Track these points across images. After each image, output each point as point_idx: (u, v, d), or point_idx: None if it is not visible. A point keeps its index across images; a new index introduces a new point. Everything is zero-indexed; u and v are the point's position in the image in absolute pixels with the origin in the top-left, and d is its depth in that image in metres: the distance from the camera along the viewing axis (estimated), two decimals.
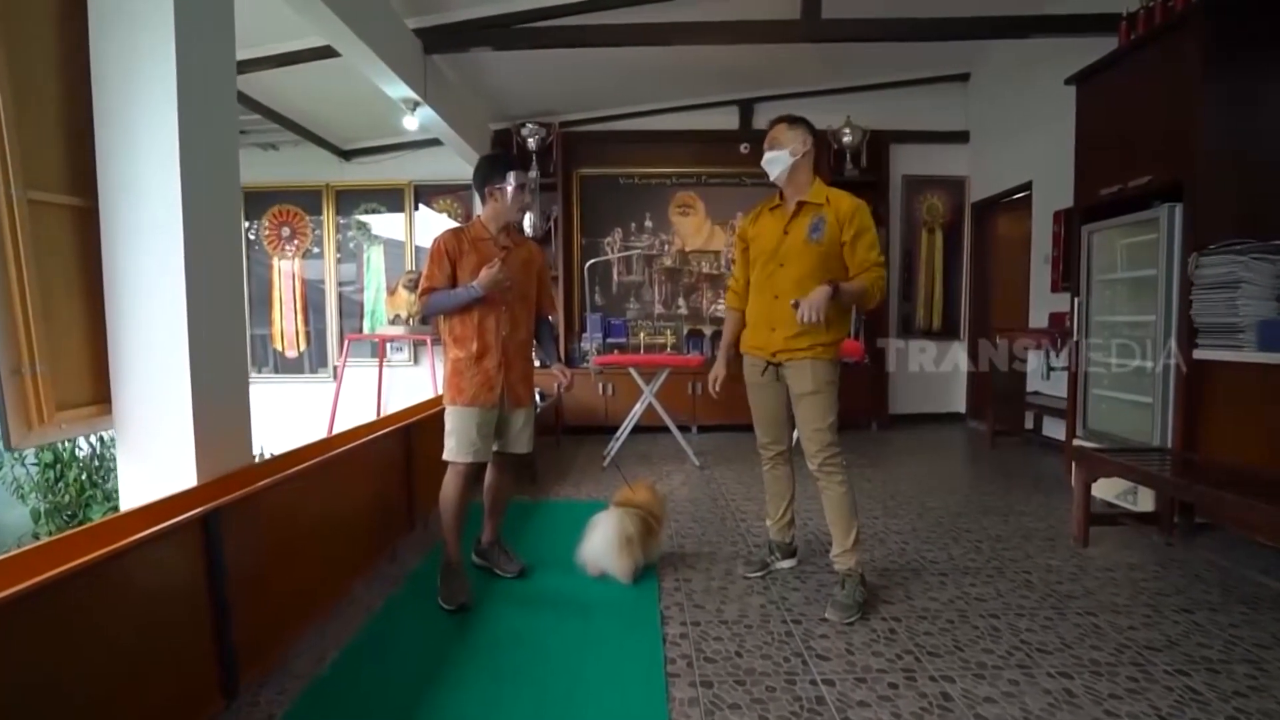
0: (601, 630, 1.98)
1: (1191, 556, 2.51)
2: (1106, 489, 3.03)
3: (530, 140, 5.43)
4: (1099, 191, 3.21)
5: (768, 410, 2.30)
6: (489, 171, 2.23)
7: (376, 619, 2.08)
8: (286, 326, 6.05)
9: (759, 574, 2.39)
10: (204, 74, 1.87)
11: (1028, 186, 4.89)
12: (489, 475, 2.39)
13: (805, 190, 2.12)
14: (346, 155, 5.85)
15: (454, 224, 2.14)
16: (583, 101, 5.51)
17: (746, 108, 5.73)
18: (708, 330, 5.64)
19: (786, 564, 2.46)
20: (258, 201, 5.96)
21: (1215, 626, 1.95)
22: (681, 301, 5.78)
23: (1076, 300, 3.36)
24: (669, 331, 5.74)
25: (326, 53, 3.77)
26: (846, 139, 5.45)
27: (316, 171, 5.89)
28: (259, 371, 6.08)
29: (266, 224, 5.97)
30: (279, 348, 6.05)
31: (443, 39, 3.85)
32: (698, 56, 4.66)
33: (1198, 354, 2.68)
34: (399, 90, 3.71)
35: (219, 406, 1.93)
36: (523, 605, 2.17)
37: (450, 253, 2.18)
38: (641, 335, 5.71)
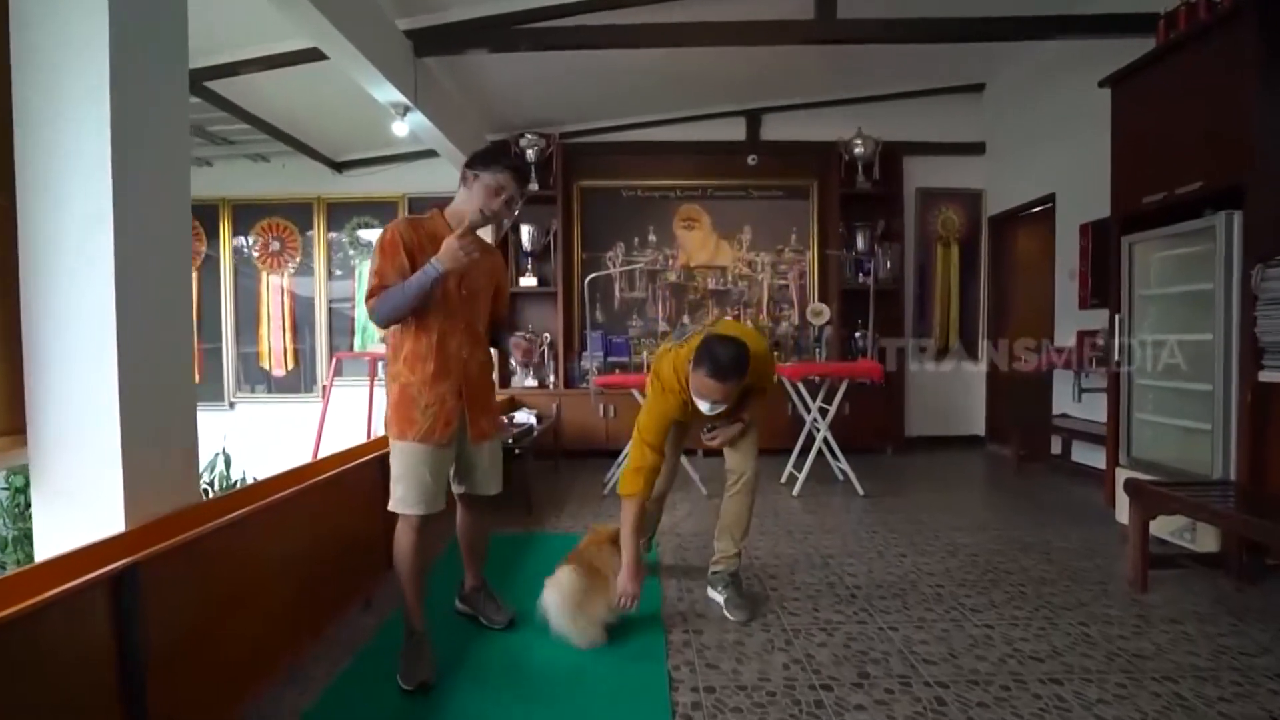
0: (599, 707, 1.69)
1: (1269, 605, 2.22)
2: (1160, 525, 2.74)
3: (529, 151, 5.22)
4: (1141, 200, 2.97)
5: None
6: (483, 159, 1.85)
7: (337, 685, 1.79)
8: (274, 344, 5.81)
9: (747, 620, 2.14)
10: (146, 59, 1.64)
11: (1050, 199, 4.66)
12: (460, 517, 2.09)
13: None
14: (338, 167, 5.66)
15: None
16: (584, 111, 5.31)
17: (754, 118, 5.53)
18: None
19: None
20: (247, 214, 5.76)
21: None
22: (686, 319, 5.53)
23: (1117, 317, 3.10)
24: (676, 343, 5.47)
25: (313, 55, 3.57)
26: (858, 150, 5.24)
27: (308, 184, 5.69)
28: (252, 391, 5.84)
29: (256, 238, 5.76)
30: (266, 366, 5.80)
31: (435, 41, 3.65)
32: (703, 64, 4.47)
33: (1265, 376, 2.41)
34: (387, 94, 3.51)
35: (157, 438, 1.67)
36: (503, 674, 1.85)
37: (408, 244, 1.76)
38: (644, 354, 5.45)
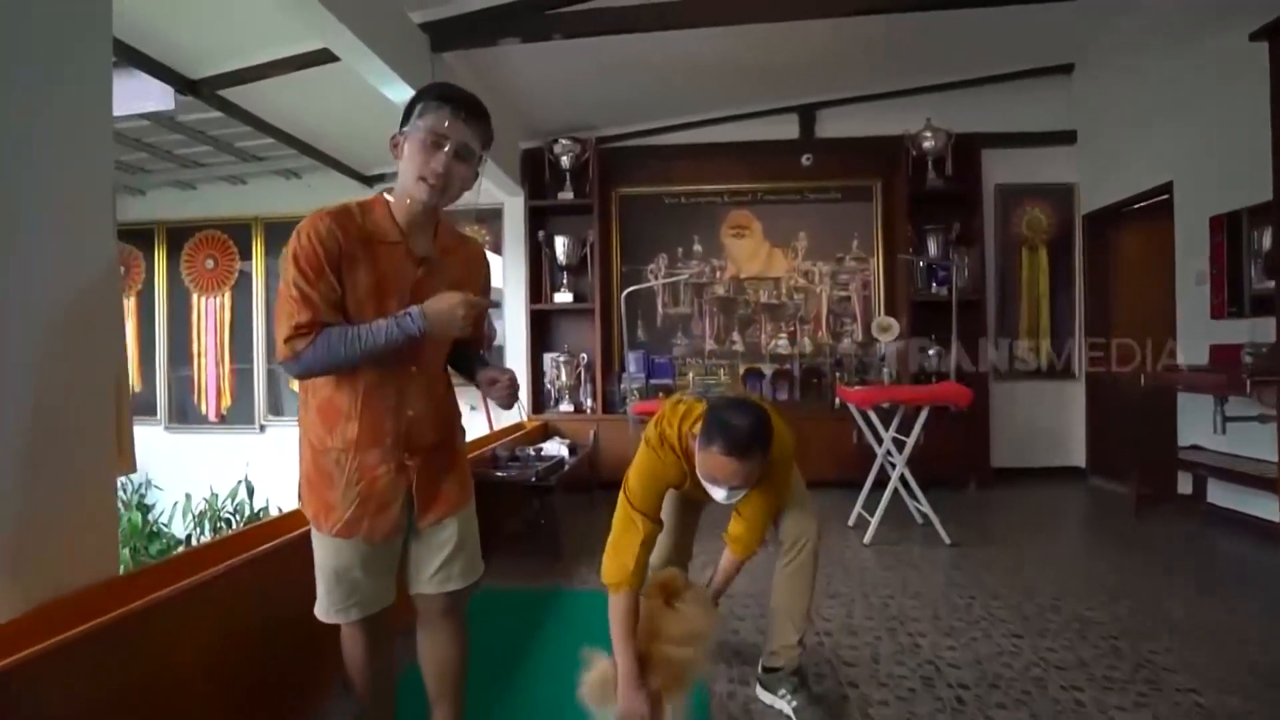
0: None
1: None
2: None
3: (564, 158, 4.86)
4: None
5: None
6: (409, 106, 1.24)
7: None
8: None
9: None
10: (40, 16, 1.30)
11: (1166, 189, 3.97)
12: (421, 641, 1.40)
13: None
14: (369, 181, 5.44)
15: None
16: (621, 113, 4.91)
17: (807, 114, 5.02)
18: (768, 369, 4.85)
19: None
20: (278, 233, 5.59)
21: None
22: (736, 336, 5.02)
23: None
24: (722, 371, 4.97)
25: (328, 56, 3.29)
26: (928, 144, 4.65)
27: (338, 199, 5.46)
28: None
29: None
30: (294, 388, 5.59)
31: (455, 33, 3.31)
32: (749, 57, 4.04)
33: None
34: (401, 93, 3.18)
35: (49, 498, 1.30)
36: None
37: (332, 255, 1.16)
38: (690, 375, 4.97)
